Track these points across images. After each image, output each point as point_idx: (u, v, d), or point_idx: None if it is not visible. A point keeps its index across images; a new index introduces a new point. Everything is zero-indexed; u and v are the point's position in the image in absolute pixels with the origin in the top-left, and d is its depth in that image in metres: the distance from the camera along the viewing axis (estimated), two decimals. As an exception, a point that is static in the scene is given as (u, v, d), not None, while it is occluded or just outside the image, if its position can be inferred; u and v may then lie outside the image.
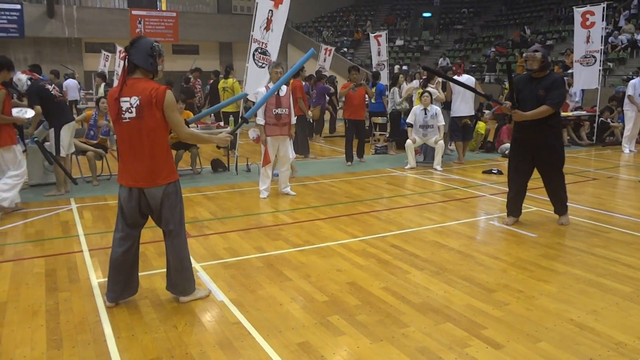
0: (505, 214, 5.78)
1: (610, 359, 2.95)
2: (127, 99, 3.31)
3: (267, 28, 8.13)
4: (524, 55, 5.32)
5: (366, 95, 9.61)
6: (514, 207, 5.67)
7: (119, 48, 18.99)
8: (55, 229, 5.54)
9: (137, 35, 22.82)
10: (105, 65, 20.06)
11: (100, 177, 7.92)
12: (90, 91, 20.63)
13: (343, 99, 9.69)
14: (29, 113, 6.57)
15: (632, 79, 11.67)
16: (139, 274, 3.76)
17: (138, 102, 3.28)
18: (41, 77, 8.09)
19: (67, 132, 6.79)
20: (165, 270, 3.74)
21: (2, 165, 6.02)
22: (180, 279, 3.64)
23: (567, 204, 5.68)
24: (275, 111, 6.66)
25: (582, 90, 13.05)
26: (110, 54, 20.43)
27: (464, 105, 9.38)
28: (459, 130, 9.50)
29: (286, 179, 7.10)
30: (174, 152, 8.41)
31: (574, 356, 2.97)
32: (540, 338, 3.18)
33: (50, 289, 3.94)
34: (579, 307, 3.61)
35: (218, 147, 3.31)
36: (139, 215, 3.56)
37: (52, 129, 6.66)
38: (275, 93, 6.61)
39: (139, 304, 3.65)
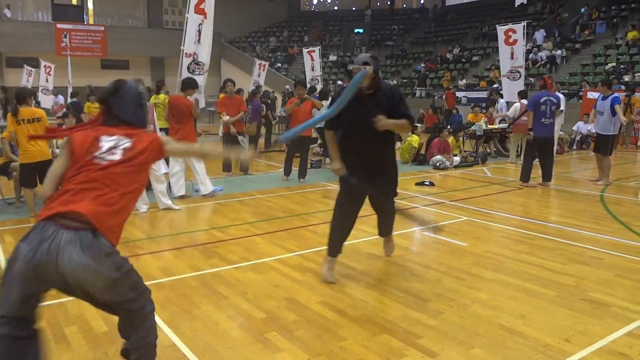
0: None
1: (538, 361, 3.08)
2: (113, 137, 2.56)
3: (198, 40, 8.26)
4: (349, 67, 4.13)
5: (314, 110, 9.57)
6: (339, 246, 4.56)
7: (43, 63, 18.26)
8: (-27, 254, 5.20)
9: (63, 49, 22.11)
10: (28, 81, 19.18)
11: (22, 199, 7.50)
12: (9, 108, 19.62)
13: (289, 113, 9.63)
14: None
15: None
16: (65, 299, 3.57)
17: (129, 144, 2.55)
18: None
19: None
20: None
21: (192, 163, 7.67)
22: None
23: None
24: None
25: (507, 103, 13.72)
26: (33, 69, 19.56)
27: None
28: None
29: (164, 193, 7.05)
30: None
31: (504, 360, 3.08)
32: (473, 344, 3.27)
33: (-33, 319, 3.67)
34: (508, 313, 3.74)
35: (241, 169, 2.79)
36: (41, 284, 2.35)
37: None
38: None
39: (66, 332, 3.47)
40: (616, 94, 9.12)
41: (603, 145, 8.93)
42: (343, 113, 4.15)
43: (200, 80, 8.52)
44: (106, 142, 2.54)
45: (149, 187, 7.07)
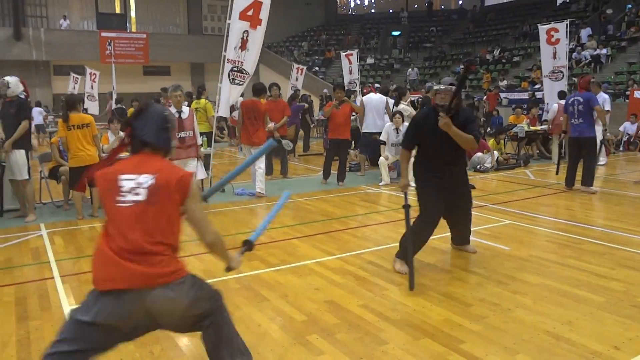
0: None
1: (587, 368, 2.99)
2: (134, 176, 2.46)
3: (243, 48, 8.30)
4: (435, 88, 4.53)
5: (353, 113, 9.61)
6: (414, 254, 4.67)
7: (88, 70, 18.85)
8: (25, 255, 5.40)
9: (107, 57, 22.77)
10: (74, 88, 19.85)
11: (70, 201, 7.76)
12: (60, 113, 20.33)
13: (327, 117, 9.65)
14: None
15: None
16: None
17: (153, 181, 2.44)
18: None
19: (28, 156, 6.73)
20: None
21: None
22: None
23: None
24: (178, 135, 6.76)
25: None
26: (79, 76, 20.22)
27: (379, 121, 9.80)
28: (368, 146, 10.01)
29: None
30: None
31: (551, 367, 3.00)
32: (518, 350, 3.21)
33: (20, 318, 3.82)
34: (554, 318, 3.65)
35: (227, 270, 2.71)
36: (120, 334, 2.56)
37: (20, 151, 6.57)
38: (178, 116, 6.78)
39: (113, 330, 3.56)
40: None
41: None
42: (428, 128, 4.61)
43: (238, 90, 8.70)
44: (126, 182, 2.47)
45: None
